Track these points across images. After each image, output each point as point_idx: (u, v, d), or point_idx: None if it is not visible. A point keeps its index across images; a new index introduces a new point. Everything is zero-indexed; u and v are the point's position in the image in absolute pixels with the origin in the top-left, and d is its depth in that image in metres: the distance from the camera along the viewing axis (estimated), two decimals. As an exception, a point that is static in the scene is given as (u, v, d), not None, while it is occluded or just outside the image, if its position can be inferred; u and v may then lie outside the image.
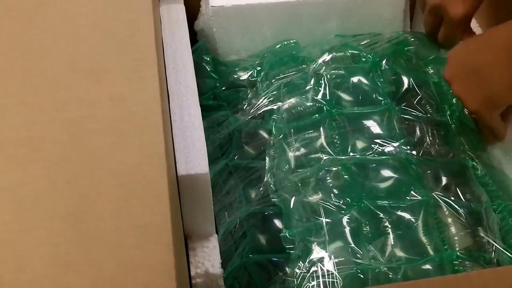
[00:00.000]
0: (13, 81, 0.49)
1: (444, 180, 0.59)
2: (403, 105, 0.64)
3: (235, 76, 0.70)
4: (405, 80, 0.66)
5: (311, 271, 0.53)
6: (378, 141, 0.61)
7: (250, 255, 0.57)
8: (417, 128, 0.63)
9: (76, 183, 0.43)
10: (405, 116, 0.63)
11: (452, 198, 0.57)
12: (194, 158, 0.53)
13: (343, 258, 0.53)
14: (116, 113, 0.47)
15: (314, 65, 0.67)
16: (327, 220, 0.55)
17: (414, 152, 0.61)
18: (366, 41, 0.71)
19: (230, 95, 0.69)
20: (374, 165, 0.59)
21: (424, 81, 0.66)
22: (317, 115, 0.63)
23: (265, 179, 0.61)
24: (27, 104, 0.48)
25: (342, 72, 0.66)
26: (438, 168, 0.60)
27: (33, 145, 0.46)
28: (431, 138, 0.62)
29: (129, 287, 0.38)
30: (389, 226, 0.55)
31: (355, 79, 0.65)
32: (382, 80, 0.66)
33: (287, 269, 0.55)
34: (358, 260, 0.53)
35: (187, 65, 0.61)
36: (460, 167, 0.61)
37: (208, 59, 0.71)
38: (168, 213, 0.42)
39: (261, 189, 0.61)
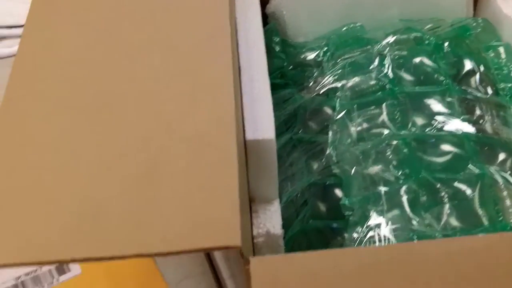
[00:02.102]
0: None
1: (501, 156, 0.59)
2: (463, 86, 0.64)
3: (302, 56, 0.71)
4: (467, 62, 0.66)
5: (368, 236, 0.54)
6: (437, 118, 0.61)
7: (310, 221, 0.58)
8: (477, 107, 0.62)
9: (149, 146, 0.45)
10: (465, 96, 0.63)
11: (509, 172, 0.57)
12: (262, 126, 0.54)
13: (399, 225, 0.53)
14: (189, 82, 0.49)
15: (378, 46, 0.67)
16: (385, 189, 0.56)
17: (472, 130, 0.60)
18: (429, 25, 0.71)
19: (297, 74, 0.70)
20: (433, 140, 0.59)
21: (485, 64, 0.66)
22: (379, 93, 0.63)
23: (327, 152, 0.62)
24: (103, 73, 0.49)
25: (405, 53, 0.66)
26: (496, 145, 0.60)
27: (110, 111, 0.47)
28: (490, 118, 0.62)
29: (197, 242, 0.39)
30: (446, 196, 0.55)
31: (417, 60, 0.65)
32: (444, 62, 0.65)
33: (345, 234, 0.55)
34: (413, 227, 0.53)
35: (258, 43, 0.62)
36: (518, 146, 0.60)
37: (277, 40, 0.72)
38: (236, 175, 0.42)
39: (323, 161, 0.62)
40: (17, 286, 0.65)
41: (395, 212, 0.54)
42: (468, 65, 0.65)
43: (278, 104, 0.69)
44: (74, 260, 0.38)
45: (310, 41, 0.73)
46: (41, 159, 0.44)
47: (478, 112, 0.62)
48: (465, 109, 0.62)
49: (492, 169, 0.57)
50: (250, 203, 0.57)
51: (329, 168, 0.61)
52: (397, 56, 0.65)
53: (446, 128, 0.60)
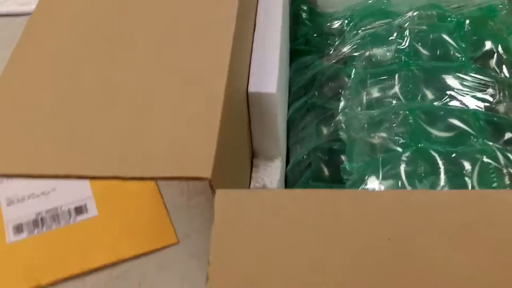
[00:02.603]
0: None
1: (506, 135, 0.59)
2: (480, 65, 0.64)
3: (328, 25, 0.72)
4: (487, 43, 0.65)
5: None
6: (449, 93, 0.61)
7: (310, 182, 0.59)
8: (491, 87, 0.62)
9: (145, 82, 0.47)
10: (481, 75, 0.63)
11: None
12: (265, 80, 0.55)
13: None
14: (193, 26, 0.50)
15: (400, 20, 0.68)
16: (385, 157, 0.56)
17: (482, 107, 0.60)
18: (455, 5, 0.70)
19: (320, 41, 0.71)
20: (441, 113, 0.60)
21: (505, 46, 0.65)
22: (395, 64, 0.64)
23: (337, 118, 0.63)
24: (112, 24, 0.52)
25: (425, 27, 0.66)
26: (504, 124, 0.59)
27: (115, 49, 0.50)
28: (503, 98, 0.62)
29: (169, 171, 0.41)
30: (443, 168, 0.55)
31: (436, 36, 0.65)
32: (463, 40, 0.65)
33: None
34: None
35: (277, 5, 0.63)
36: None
37: (305, 8, 0.73)
38: (218, 115, 0.43)
39: (332, 126, 0.63)
40: (37, 220, 0.68)
41: (391, 178, 0.55)
42: (487, 45, 0.65)
43: (299, 70, 0.70)
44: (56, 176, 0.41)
45: (338, 11, 0.74)
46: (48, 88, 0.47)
47: (491, 91, 0.62)
48: (479, 87, 0.62)
49: (495, 146, 0.57)
50: (253, 157, 0.59)
51: (337, 133, 0.62)
52: (416, 30, 0.66)
53: (456, 104, 0.61)
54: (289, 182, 0.62)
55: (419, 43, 0.65)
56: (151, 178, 0.41)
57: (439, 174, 0.55)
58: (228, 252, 0.37)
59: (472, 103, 0.61)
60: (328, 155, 0.61)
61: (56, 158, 0.42)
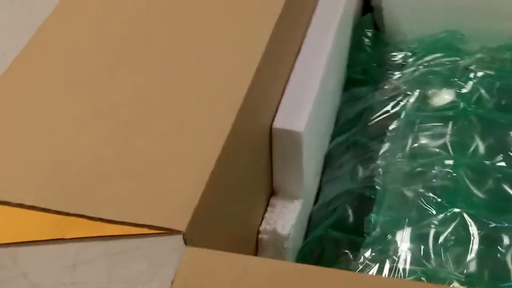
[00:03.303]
0: None
1: None
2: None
3: (390, 55, 0.65)
4: None
5: (376, 261, 0.48)
6: (507, 151, 0.53)
7: (329, 230, 0.53)
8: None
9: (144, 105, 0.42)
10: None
11: None
12: (294, 116, 0.50)
13: (413, 258, 0.47)
14: (219, 44, 0.46)
15: (468, 60, 0.60)
16: (414, 215, 0.49)
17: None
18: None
19: (379, 72, 0.64)
20: (492, 173, 0.52)
21: None
22: (451, 110, 0.56)
23: (377, 161, 0.56)
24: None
25: (493, 72, 0.58)
26: None
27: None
28: None
29: (141, 218, 0.35)
30: (477, 238, 0.48)
31: (505, 83, 0.57)
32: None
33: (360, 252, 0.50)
34: (428, 264, 0.47)
35: (331, 29, 0.57)
36: None
37: (369, 33, 0.66)
38: (212, 163, 0.38)
39: (370, 169, 0.56)
40: None
41: (414, 243, 0.48)
42: None
43: (350, 101, 0.64)
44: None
45: (404, 41, 0.66)
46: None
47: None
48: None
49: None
50: (273, 195, 0.53)
51: (372, 178, 0.55)
52: (483, 74, 0.58)
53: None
54: (312, 223, 0.56)
55: (484, 89, 0.57)
56: (118, 222, 0.36)
57: (470, 244, 0.47)
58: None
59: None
60: (358, 201, 0.54)
61: (23, 183, 0.39)
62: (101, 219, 0.36)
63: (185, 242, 0.35)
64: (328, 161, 0.60)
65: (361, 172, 0.56)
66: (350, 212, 0.54)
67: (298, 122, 0.49)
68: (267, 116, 0.49)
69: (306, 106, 0.50)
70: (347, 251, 0.51)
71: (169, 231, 0.35)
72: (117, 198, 0.37)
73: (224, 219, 0.42)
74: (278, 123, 0.49)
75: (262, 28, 0.46)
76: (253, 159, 0.48)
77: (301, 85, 0.52)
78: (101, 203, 0.37)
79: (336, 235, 0.52)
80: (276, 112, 0.50)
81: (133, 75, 0.44)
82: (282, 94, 0.51)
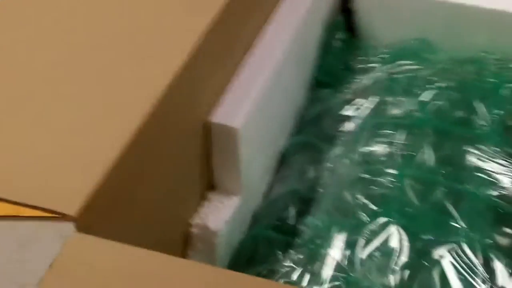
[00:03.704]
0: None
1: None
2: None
3: (357, 58, 0.64)
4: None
5: (301, 264, 0.47)
6: (457, 165, 0.52)
7: (266, 229, 0.52)
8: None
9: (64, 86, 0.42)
10: (503, 153, 0.53)
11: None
12: (233, 113, 0.49)
13: (338, 264, 0.46)
14: (147, 38, 0.45)
15: (430, 70, 0.58)
16: (345, 221, 0.48)
17: (490, 190, 0.50)
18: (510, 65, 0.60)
19: (343, 75, 0.63)
20: (436, 186, 0.50)
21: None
22: (407, 119, 0.55)
23: (326, 164, 0.55)
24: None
25: (454, 84, 0.56)
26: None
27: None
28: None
29: (34, 199, 0.35)
30: (405, 251, 0.46)
31: (464, 96, 0.56)
32: (497, 108, 0.55)
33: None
34: (351, 273, 0.46)
35: (289, 27, 0.56)
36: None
37: (340, 36, 0.65)
38: (118, 150, 0.37)
39: (317, 171, 0.55)
40: None
41: (342, 250, 0.47)
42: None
43: (312, 102, 0.62)
44: None
45: (375, 46, 0.65)
46: None
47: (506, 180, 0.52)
48: (496, 165, 0.52)
49: (482, 241, 0.47)
50: (212, 189, 0.52)
51: (318, 180, 0.54)
52: (445, 86, 0.56)
53: (459, 179, 0.51)
54: (255, 221, 0.55)
55: (443, 101, 0.56)
56: (6, 201, 0.35)
57: (397, 255, 0.46)
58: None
59: (479, 182, 0.51)
60: (300, 202, 0.53)
61: None
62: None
63: (79, 229, 0.34)
64: (283, 160, 0.59)
65: (309, 173, 0.55)
66: (291, 212, 0.53)
67: (236, 118, 0.48)
68: (204, 109, 0.48)
69: (247, 103, 0.49)
70: (279, 251, 0.50)
71: (61, 215, 0.34)
72: (13, 175, 0.36)
73: (139, 209, 0.41)
74: (216, 118, 0.49)
75: (199, 21, 0.46)
76: (183, 151, 0.47)
77: (246, 82, 0.51)
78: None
79: (271, 235, 0.51)
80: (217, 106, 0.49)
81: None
82: (226, 89, 0.50)
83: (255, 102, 0.50)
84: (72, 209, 0.34)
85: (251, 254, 0.51)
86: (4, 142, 0.38)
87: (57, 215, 0.34)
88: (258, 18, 0.55)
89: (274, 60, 0.53)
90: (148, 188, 0.42)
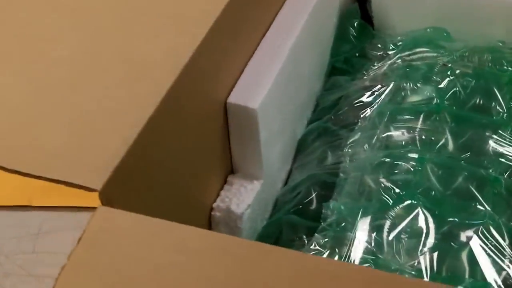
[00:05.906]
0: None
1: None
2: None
3: (373, 46, 0.63)
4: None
5: (328, 247, 0.46)
6: (475, 150, 0.52)
7: (289, 213, 0.51)
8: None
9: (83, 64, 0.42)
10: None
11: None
12: (251, 94, 0.48)
13: (365, 247, 0.46)
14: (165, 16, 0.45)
15: (447, 57, 0.58)
16: (369, 205, 0.48)
17: (508, 174, 0.50)
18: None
19: (360, 63, 0.62)
20: (456, 170, 0.50)
21: None
22: (424, 105, 0.55)
23: (345, 149, 0.54)
24: None
25: (471, 72, 0.56)
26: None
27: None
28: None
29: (59, 174, 0.35)
30: (432, 233, 0.46)
31: (481, 83, 0.55)
32: (513, 96, 0.55)
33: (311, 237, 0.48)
34: (380, 255, 0.45)
35: (304, 12, 0.55)
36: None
37: (355, 23, 0.64)
38: (142, 124, 0.37)
39: (337, 156, 0.54)
40: None
41: (368, 233, 0.46)
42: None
43: (330, 89, 0.62)
44: None
45: (390, 35, 0.64)
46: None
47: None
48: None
49: (503, 222, 0.47)
50: (233, 173, 0.51)
51: (338, 165, 0.53)
52: (460, 73, 0.56)
53: (479, 163, 0.51)
54: (277, 207, 0.54)
55: (460, 88, 0.55)
56: (35, 176, 0.35)
57: (424, 238, 0.46)
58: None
59: (498, 167, 0.51)
60: (321, 187, 0.53)
61: None
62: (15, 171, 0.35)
63: (102, 202, 0.34)
64: (301, 147, 0.58)
65: (328, 159, 0.55)
66: (312, 197, 0.52)
67: (254, 99, 0.48)
68: (222, 91, 0.47)
69: (264, 85, 0.48)
70: (303, 235, 0.49)
71: (86, 189, 0.34)
72: (41, 151, 0.36)
73: (160, 190, 0.41)
74: (233, 98, 0.48)
75: (215, 3, 0.45)
76: (203, 132, 0.46)
77: (263, 64, 0.50)
78: (23, 155, 0.36)
79: (294, 219, 0.51)
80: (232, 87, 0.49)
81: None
82: (243, 71, 0.50)
83: (272, 84, 0.49)
84: (98, 183, 0.34)
85: (276, 238, 0.51)
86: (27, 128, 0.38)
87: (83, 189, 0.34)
88: (274, 2, 0.54)
89: (290, 44, 0.52)
90: (169, 169, 0.42)
